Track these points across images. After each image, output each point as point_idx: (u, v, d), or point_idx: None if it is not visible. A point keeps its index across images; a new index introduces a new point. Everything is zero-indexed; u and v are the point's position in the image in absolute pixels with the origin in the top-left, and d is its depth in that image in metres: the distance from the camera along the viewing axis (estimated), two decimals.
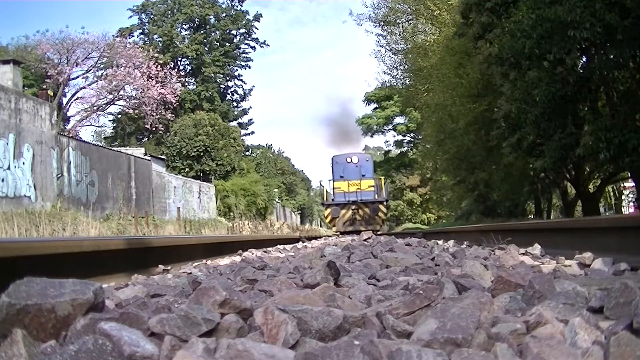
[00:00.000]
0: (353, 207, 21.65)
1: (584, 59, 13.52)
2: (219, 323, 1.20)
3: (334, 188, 22.94)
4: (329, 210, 22.31)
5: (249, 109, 46.30)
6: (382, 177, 26.95)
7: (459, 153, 22.10)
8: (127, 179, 22.06)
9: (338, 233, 21.57)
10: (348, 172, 22.69)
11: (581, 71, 12.94)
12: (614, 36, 10.80)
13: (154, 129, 31.50)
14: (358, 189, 22.12)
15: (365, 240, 5.10)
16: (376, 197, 22.67)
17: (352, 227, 21.15)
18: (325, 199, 23.97)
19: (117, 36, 32.16)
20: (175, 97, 31.37)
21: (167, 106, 30.86)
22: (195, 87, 40.72)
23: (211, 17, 41.90)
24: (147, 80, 29.15)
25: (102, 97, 29.22)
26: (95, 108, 29.35)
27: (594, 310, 1.28)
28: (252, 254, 4.72)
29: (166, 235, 12.75)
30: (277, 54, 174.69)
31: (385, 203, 23.08)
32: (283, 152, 61.31)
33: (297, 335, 1.13)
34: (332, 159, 23.95)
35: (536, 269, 2.39)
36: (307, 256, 3.20)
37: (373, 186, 22.91)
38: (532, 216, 25.17)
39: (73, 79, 28.92)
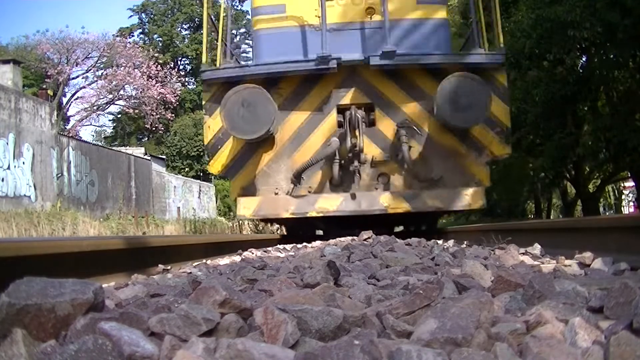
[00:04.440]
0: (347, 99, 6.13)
1: (584, 59, 13.54)
2: (219, 323, 1.20)
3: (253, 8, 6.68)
4: (215, 126, 6.27)
5: None
6: None
7: None
8: (127, 178, 22.06)
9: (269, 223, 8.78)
10: None
11: (581, 71, 12.97)
12: (614, 36, 10.82)
13: (154, 128, 31.54)
14: (371, 8, 6.04)
15: (365, 240, 5.10)
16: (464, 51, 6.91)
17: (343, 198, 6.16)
18: (204, 59, 6.56)
19: (117, 36, 32.24)
20: (175, 96, 31.40)
21: (167, 106, 30.89)
22: (195, 86, 40.75)
23: (211, 16, 41.90)
24: (147, 80, 29.19)
25: (102, 97, 29.28)
26: (95, 108, 29.39)
27: (594, 310, 1.28)
28: (252, 253, 4.72)
29: (166, 235, 12.75)
30: None
31: (502, 101, 6.06)
32: None
33: (297, 335, 1.13)
34: None
35: (536, 268, 2.38)
36: (307, 256, 3.19)
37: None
38: (532, 216, 25.16)
39: (73, 78, 29.02)
